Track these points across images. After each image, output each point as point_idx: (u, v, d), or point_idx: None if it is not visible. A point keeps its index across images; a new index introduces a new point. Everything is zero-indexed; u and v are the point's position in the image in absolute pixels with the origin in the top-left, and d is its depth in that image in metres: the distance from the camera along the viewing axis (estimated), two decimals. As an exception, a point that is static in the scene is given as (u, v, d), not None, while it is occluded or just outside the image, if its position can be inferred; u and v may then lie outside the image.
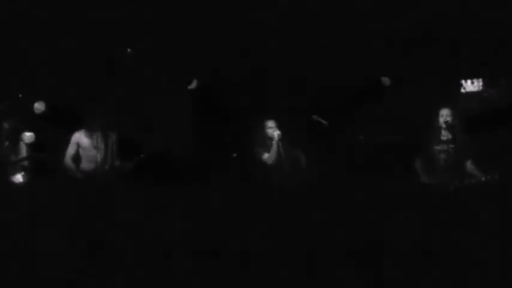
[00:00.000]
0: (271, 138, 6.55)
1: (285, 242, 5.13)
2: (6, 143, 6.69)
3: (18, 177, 6.58)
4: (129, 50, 7.43)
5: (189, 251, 5.10)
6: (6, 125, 6.72)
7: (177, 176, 7.10)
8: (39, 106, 7.32)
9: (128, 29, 7.09)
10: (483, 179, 5.84)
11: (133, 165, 6.51)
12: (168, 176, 7.03)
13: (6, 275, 4.81)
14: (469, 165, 6.15)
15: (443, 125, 6.27)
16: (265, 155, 6.54)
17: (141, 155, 6.55)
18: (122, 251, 5.06)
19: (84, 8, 6.78)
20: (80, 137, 6.59)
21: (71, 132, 6.62)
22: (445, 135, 6.30)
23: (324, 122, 7.06)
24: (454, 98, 7.53)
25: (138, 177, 6.42)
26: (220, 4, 6.94)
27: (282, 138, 6.48)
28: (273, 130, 6.56)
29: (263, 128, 6.65)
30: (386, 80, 7.76)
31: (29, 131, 6.90)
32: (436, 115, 6.30)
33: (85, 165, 6.55)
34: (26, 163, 6.70)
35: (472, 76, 7.82)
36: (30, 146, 6.81)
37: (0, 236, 5.10)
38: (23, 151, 6.75)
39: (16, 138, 6.75)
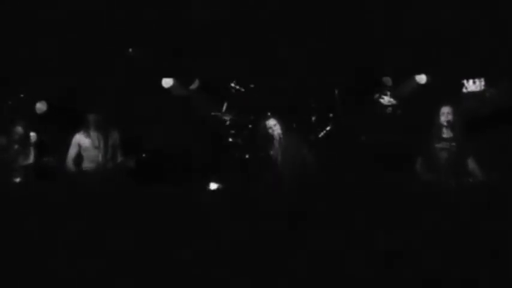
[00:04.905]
0: (273, 137, 6.61)
1: (287, 241, 5.13)
2: (16, 146, 6.71)
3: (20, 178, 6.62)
4: (130, 49, 7.46)
5: (189, 250, 5.10)
6: (16, 129, 6.74)
7: (178, 175, 7.12)
8: (41, 106, 7.35)
9: (129, 29, 7.12)
10: (484, 177, 5.84)
11: (135, 164, 6.54)
12: (169, 175, 7.05)
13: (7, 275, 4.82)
14: (470, 163, 6.16)
15: (445, 123, 6.26)
16: (270, 153, 6.62)
17: (143, 154, 6.58)
18: (122, 251, 5.06)
19: (85, 8, 6.81)
20: (80, 138, 6.63)
21: (73, 132, 6.66)
22: (446, 133, 6.30)
23: None
24: (456, 97, 7.53)
25: (140, 175, 6.45)
26: (217, 4, 6.98)
27: (282, 137, 6.55)
28: (272, 130, 6.63)
29: (265, 127, 6.70)
30: (388, 80, 7.80)
31: (32, 130, 6.92)
32: (437, 113, 6.31)
33: (87, 165, 6.58)
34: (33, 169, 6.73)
35: (473, 76, 7.83)
36: (37, 147, 6.83)
37: (1, 236, 5.11)
38: (32, 155, 6.77)
39: (26, 142, 6.77)
